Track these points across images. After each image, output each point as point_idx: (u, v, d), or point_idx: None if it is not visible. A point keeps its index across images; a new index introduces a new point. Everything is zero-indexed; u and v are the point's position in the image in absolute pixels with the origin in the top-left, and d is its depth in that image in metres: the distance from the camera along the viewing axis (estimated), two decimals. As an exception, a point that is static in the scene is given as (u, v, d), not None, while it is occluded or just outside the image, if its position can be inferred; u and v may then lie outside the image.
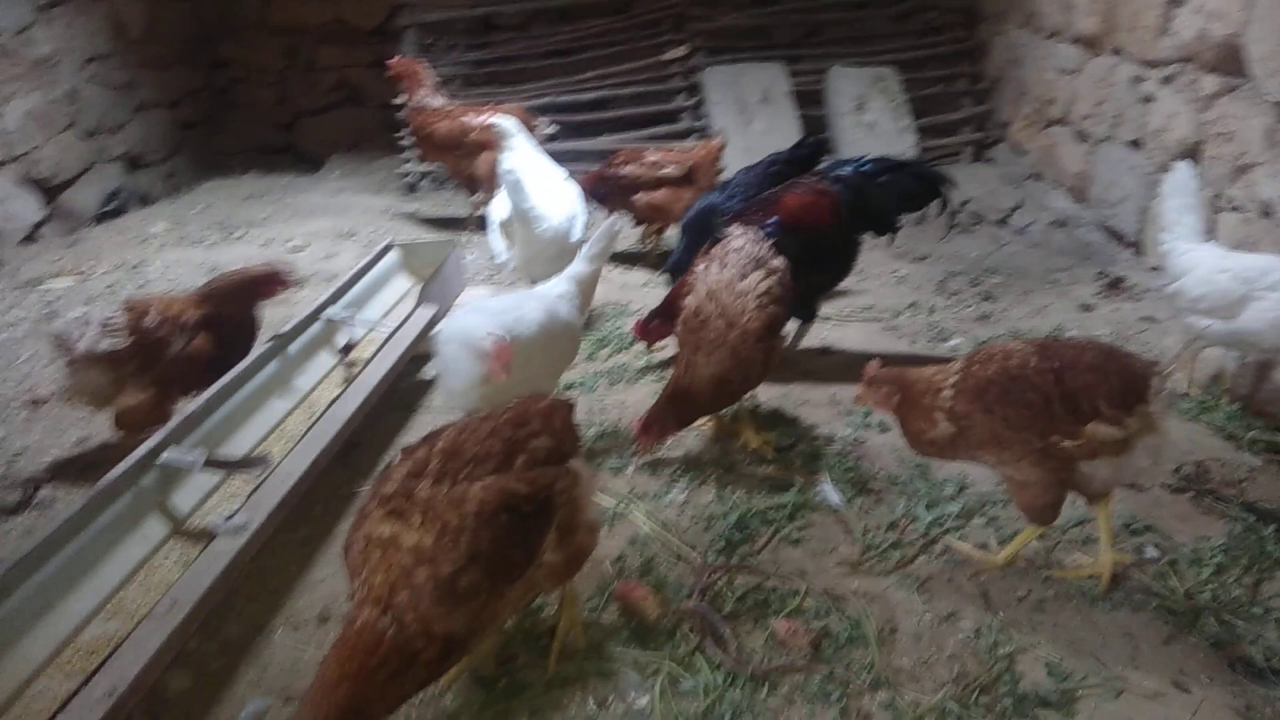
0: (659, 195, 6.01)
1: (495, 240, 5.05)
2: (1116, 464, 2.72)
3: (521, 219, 4.62)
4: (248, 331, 3.89)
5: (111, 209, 7.51)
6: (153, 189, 8.28)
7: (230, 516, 2.74)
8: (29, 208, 6.76)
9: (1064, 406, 2.66)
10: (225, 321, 3.79)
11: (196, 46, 9.42)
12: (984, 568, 2.99)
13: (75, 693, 2.15)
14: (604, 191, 6.08)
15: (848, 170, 4.44)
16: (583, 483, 2.46)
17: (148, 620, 2.32)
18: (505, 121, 4.78)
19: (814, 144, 5.25)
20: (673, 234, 5.77)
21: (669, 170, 5.98)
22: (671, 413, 3.44)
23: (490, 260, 6.26)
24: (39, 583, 2.53)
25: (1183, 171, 4.03)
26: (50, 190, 7.00)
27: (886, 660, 2.62)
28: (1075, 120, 6.92)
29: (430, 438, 2.37)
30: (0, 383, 4.47)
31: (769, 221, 4.19)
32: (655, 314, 4.41)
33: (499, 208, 4.98)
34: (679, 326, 3.57)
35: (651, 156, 6.08)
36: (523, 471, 2.29)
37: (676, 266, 4.73)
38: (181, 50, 9.14)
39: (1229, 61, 4.91)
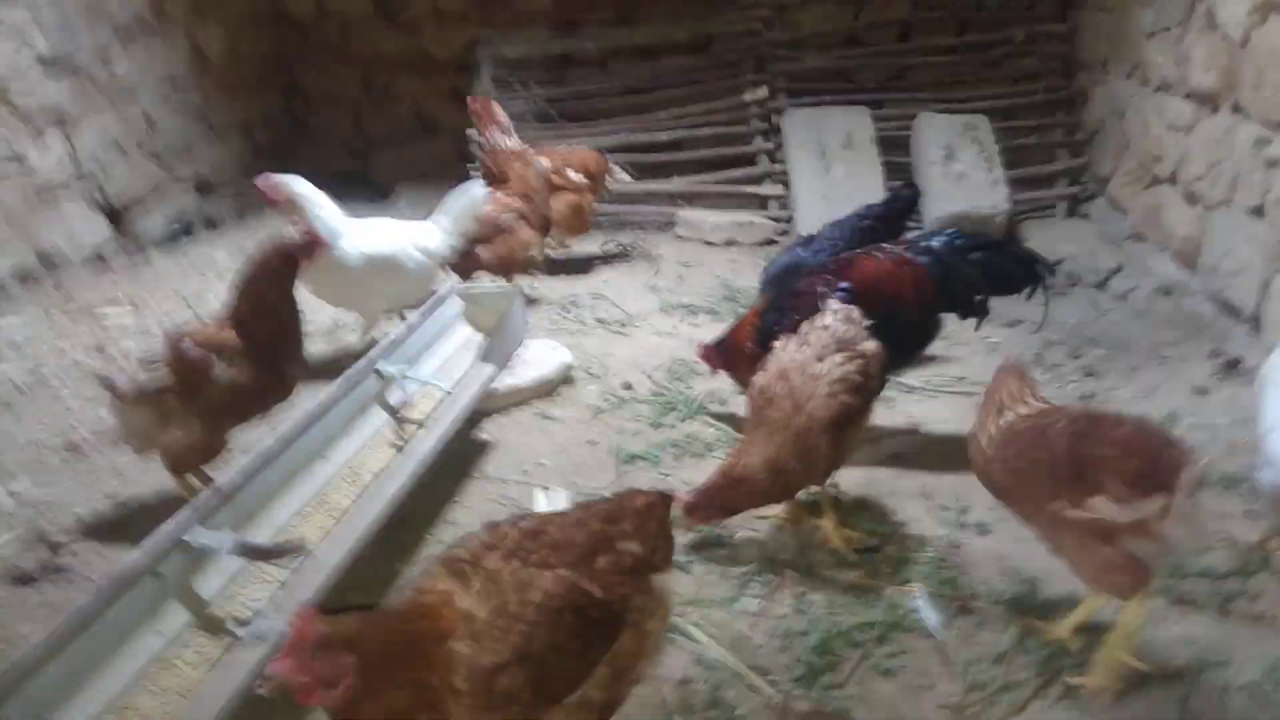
0: (501, 246, 5.68)
1: None
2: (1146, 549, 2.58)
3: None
4: (290, 323, 3.67)
5: (177, 233, 7.42)
6: (220, 215, 8.19)
7: (251, 621, 2.44)
8: (94, 230, 6.68)
9: (1069, 471, 2.63)
10: (264, 324, 3.56)
11: (274, 72, 9.38)
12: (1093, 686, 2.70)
13: None
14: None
15: (938, 242, 4.05)
16: (661, 611, 2.14)
17: (145, 756, 2.02)
18: (298, 185, 4.63)
19: (910, 197, 4.86)
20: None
21: (506, 218, 5.66)
22: (720, 496, 3.09)
23: (555, 305, 6.00)
24: (40, 685, 2.24)
25: None
26: (116, 213, 6.92)
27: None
28: (1185, 180, 6.41)
29: (519, 518, 2.18)
30: (38, 423, 4.28)
31: (840, 286, 3.82)
32: (719, 343, 4.33)
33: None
34: (748, 401, 3.28)
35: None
36: (602, 573, 2.04)
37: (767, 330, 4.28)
38: (259, 76, 9.10)
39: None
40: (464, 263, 5.70)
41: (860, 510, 3.64)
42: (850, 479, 3.82)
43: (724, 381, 4.80)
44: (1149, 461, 2.59)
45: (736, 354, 4.20)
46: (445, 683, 1.84)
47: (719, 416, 4.43)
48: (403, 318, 5.08)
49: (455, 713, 1.82)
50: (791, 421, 3.09)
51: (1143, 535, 2.58)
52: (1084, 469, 2.61)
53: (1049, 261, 4.16)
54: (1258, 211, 5.49)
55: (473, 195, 5.17)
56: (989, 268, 3.99)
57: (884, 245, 4.13)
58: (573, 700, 1.96)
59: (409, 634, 1.89)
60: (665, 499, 2.30)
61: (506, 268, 5.82)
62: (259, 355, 3.51)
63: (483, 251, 5.72)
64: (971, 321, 4.19)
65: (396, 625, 1.91)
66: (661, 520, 2.24)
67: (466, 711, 1.81)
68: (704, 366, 5.00)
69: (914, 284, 3.93)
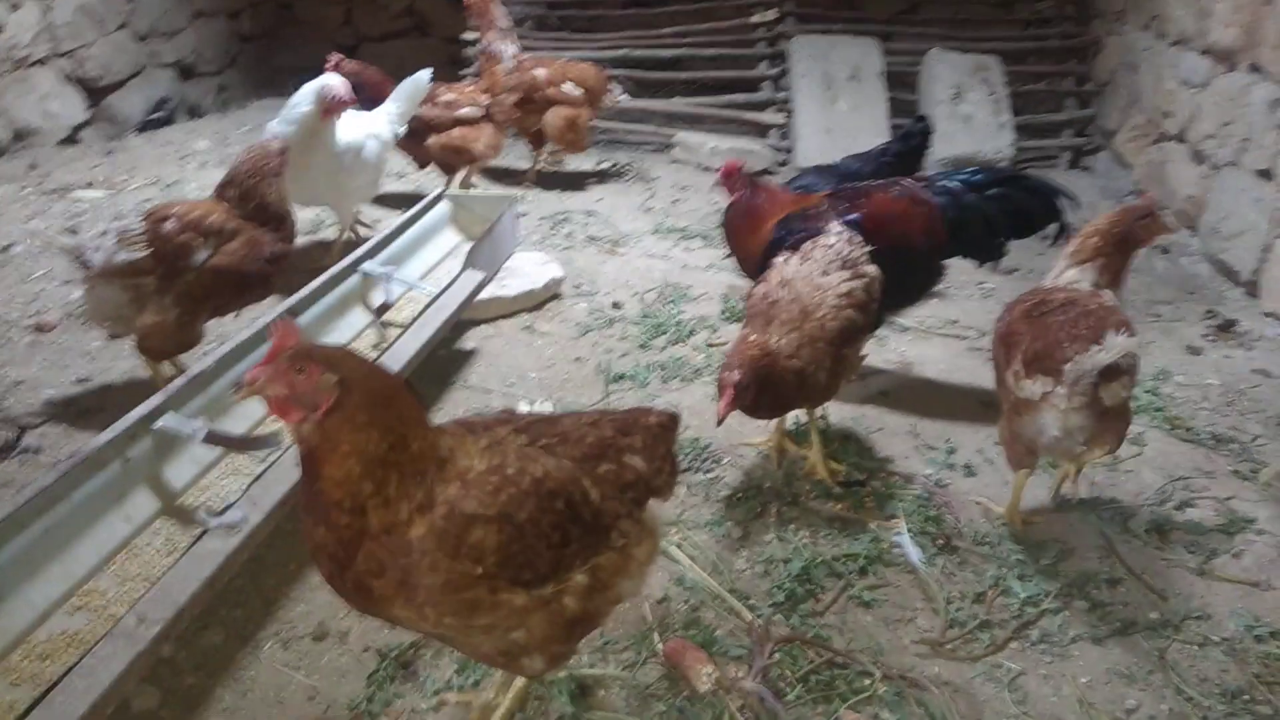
0: (455, 135, 5.89)
1: None
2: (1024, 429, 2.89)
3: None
4: (281, 221, 3.57)
5: (157, 118, 7.16)
6: (202, 101, 7.91)
7: (223, 511, 2.36)
8: (71, 108, 6.42)
9: (1004, 342, 2.96)
10: (257, 216, 3.47)
11: (263, -44, 9.00)
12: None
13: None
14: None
15: (955, 182, 3.91)
16: (649, 542, 2.08)
17: (108, 639, 1.94)
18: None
19: (923, 129, 4.69)
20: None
21: (466, 111, 5.87)
22: (759, 372, 2.86)
23: (548, 220, 5.86)
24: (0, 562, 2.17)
25: None
26: (95, 92, 6.65)
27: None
28: (1194, 139, 6.30)
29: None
30: (7, 301, 4.13)
31: (848, 218, 3.70)
32: (756, 186, 4.00)
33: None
34: (746, 309, 3.17)
35: (445, 96, 5.87)
36: (602, 479, 1.98)
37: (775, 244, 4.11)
38: (247, -42, 8.73)
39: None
40: (416, 150, 5.86)
41: (847, 444, 3.58)
42: (838, 413, 3.77)
43: (714, 309, 4.71)
44: (1047, 346, 2.74)
45: (744, 221, 3.97)
46: (417, 500, 1.77)
47: (712, 344, 4.34)
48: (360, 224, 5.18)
49: (415, 549, 1.74)
50: (803, 325, 3.00)
51: (1023, 415, 2.81)
52: (1009, 343, 2.89)
53: (1072, 194, 4.02)
54: (1266, 174, 5.41)
55: (418, 82, 5.25)
56: (1009, 204, 3.85)
57: (902, 180, 3.98)
58: (544, 594, 1.89)
59: (398, 390, 1.82)
60: (675, 420, 2.22)
61: (454, 160, 5.93)
62: (244, 244, 3.38)
63: (433, 140, 5.81)
64: (967, 262, 4.08)
65: (386, 376, 1.85)
66: (669, 444, 2.17)
67: (428, 552, 1.74)
68: (696, 290, 4.92)
69: (925, 225, 3.79)
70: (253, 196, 3.45)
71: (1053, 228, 3.93)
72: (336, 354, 1.80)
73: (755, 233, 3.86)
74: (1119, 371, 2.63)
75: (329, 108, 4.50)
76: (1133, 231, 3.06)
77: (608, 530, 1.98)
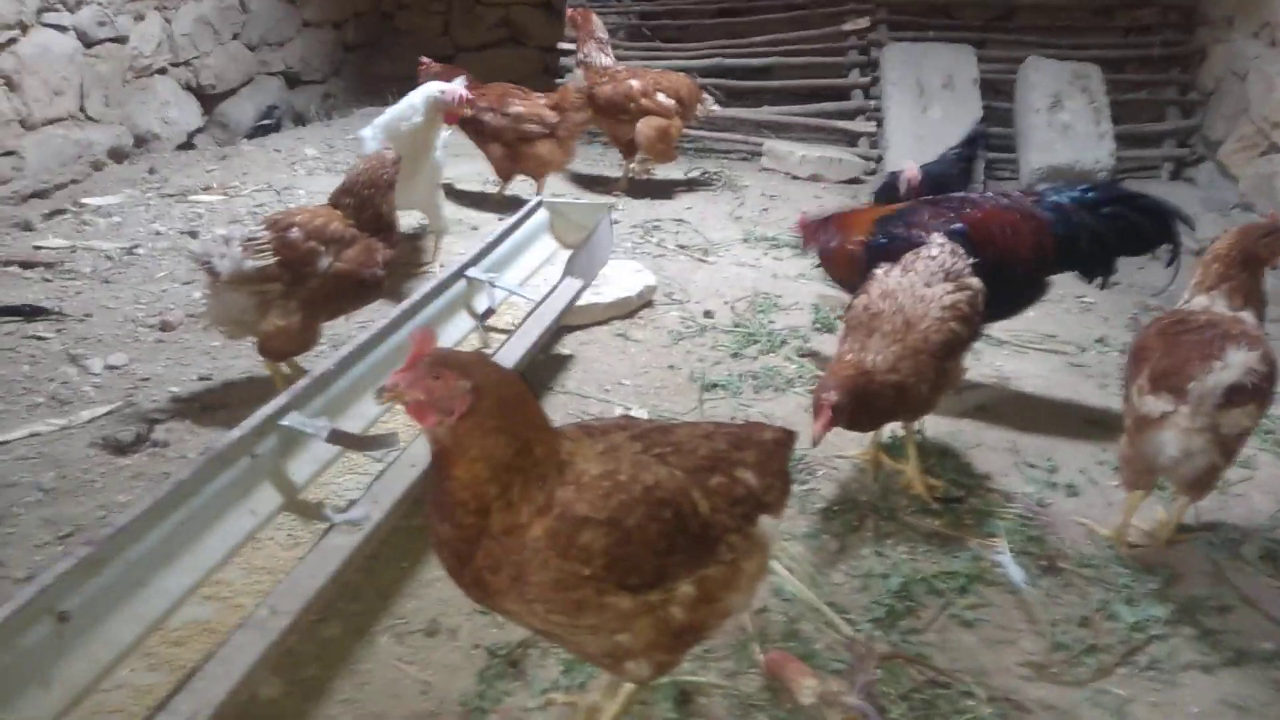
0: (520, 147, 5.91)
1: None
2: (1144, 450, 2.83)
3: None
4: (391, 228, 3.72)
5: (265, 125, 7.44)
6: (308, 109, 8.20)
7: (347, 508, 2.47)
8: (188, 115, 6.73)
9: (1134, 358, 2.94)
10: (371, 224, 3.62)
11: (370, -33, 9.29)
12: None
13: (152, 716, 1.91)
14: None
15: (1068, 198, 3.85)
16: (759, 556, 2.11)
17: (241, 629, 2.06)
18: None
19: (980, 131, 4.80)
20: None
21: (531, 127, 5.85)
22: (856, 392, 2.87)
23: (639, 228, 5.92)
24: (137, 554, 2.30)
25: None
26: (209, 99, 6.96)
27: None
28: (1308, 150, 6.08)
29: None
30: (133, 301, 4.35)
31: (953, 227, 3.68)
32: (828, 219, 4.18)
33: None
34: (846, 320, 3.18)
35: (514, 108, 5.85)
36: (713, 491, 2.01)
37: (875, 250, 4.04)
38: (352, -30, 9.02)
39: None
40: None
41: (944, 459, 3.56)
42: (934, 428, 3.74)
43: (805, 319, 4.72)
44: (1176, 363, 2.70)
45: (839, 249, 4.05)
46: (535, 503, 1.84)
47: (803, 354, 4.36)
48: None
49: (528, 547, 1.82)
50: (906, 337, 2.99)
51: (1143, 433, 2.77)
52: (1139, 358, 2.87)
53: (1188, 216, 3.94)
54: (1386, 188, 5.20)
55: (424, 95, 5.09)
56: (1122, 222, 3.79)
57: (1012, 193, 3.97)
58: (650, 599, 1.94)
59: (526, 397, 1.91)
60: (791, 437, 2.24)
61: (509, 169, 6.03)
62: (361, 251, 3.52)
63: (494, 148, 5.92)
64: (1076, 279, 4.03)
65: (516, 383, 1.92)
66: (783, 460, 2.19)
67: (540, 550, 1.81)
68: (786, 300, 4.94)
69: (1034, 240, 3.76)
70: (369, 206, 3.59)
71: (1165, 247, 3.87)
72: (471, 361, 1.89)
73: (852, 262, 3.92)
74: (1245, 396, 2.58)
75: (450, 112, 4.64)
76: (1255, 251, 2.99)
77: (715, 542, 2.01)
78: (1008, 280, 3.62)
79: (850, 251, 4.00)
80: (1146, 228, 3.79)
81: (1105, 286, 4.04)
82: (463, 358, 1.89)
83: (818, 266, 4.48)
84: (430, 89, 4.77)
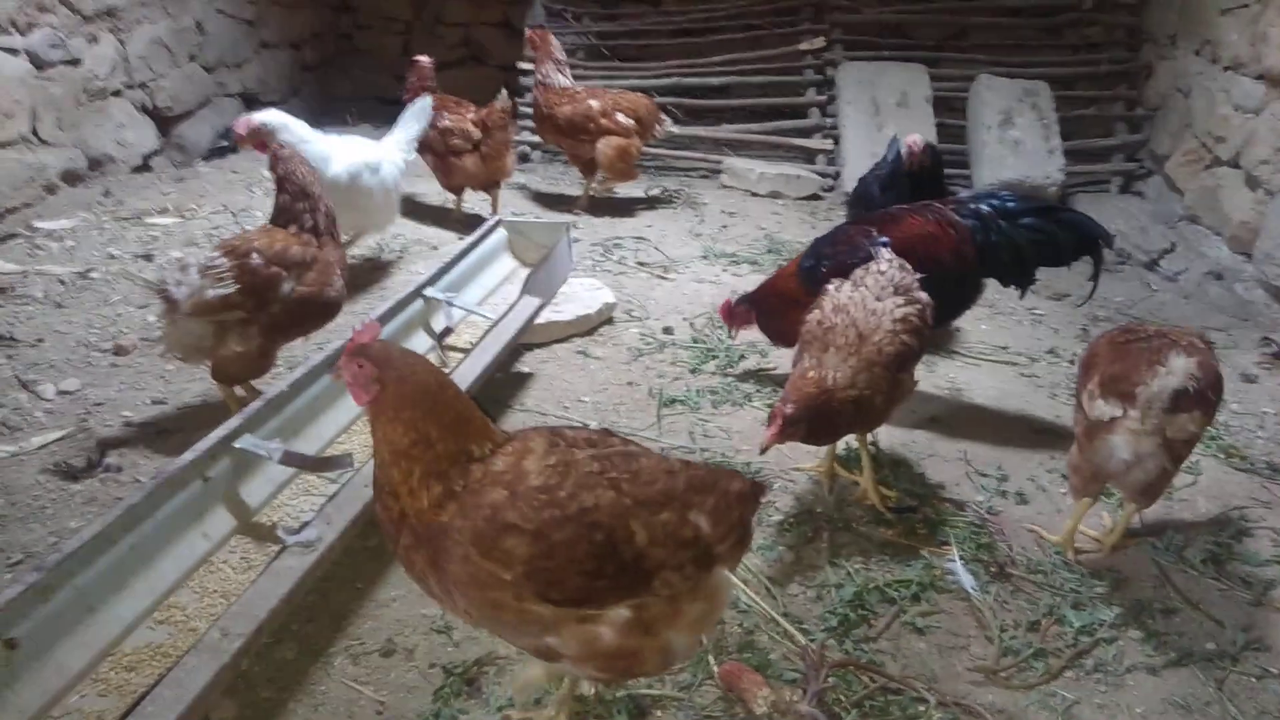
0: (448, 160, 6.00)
1: None
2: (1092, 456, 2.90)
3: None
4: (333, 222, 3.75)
5: (224, 146, 7.39)
6: (264, 130, 8.15)
7: (299, 529, 2.47)
8: (144, 137, 6.66)
9: (1085, 364, 3.03)
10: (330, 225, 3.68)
11: (325, -12, 9.28)
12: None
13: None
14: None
15: (988, 205, 3.96)
16: (700, 606, 2.09)
17: (193, 652, 2.05)
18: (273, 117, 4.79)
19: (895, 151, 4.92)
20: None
21: (456, 141, 5.93)
22: (815, 408, 2.91)
23: (599, 246, 5.96)
24: (86, 580, 2.28)
25: None
26: (166, 121, 6.90)
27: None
28: (1248, 164, 6.24)
29: (629, 441, 2.20)
30: (87, 325, 4.30)
31: (879, 240, 3.76)
32: (745, 299, 4.27)
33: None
34: (801, 335, 3.23)
35: (443, 123, 5.89)
36: (657, 525, 2.00)
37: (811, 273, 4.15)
38: (310, -10, 9.01)
39: None
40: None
41: (898, 470, 3.62)
42: (889, 439, 3.80)
43: (763, 335, 4.77)
44: (1125, 369, 2.78)
45: (782, 302, 4.12)
46: (456, 501, 1.92)
47: (760, 371, 4.41)
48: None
49: (450, 539, 1.90)
50: (861, 350, 3.04)
51: (1094, 439, 2.83)
52: (1089, 365, 2.95)
53: (1108, 233, 4.06)
54: (1323, 200, 5.36)
55: (423, 109, 5.57)
56: (1041, 234, 3.90)
57: (934, 204, 4.06)
58: (576, 612, 1.95)
59: (437, 394, 1.99)
60: (760, 490, 2.23)
61: (445, 181, 6.11)
62: (320, 272, 3.52)
63: (426, 160, 6.00)
64: (1016, 292, 4.13)
65: (428, 380, 2.01)
66: (745, 512, 2.16)
67: (462, 544, 1.88)
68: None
69: (953, 248, 3.87)
70: (319, 205, 3.65)
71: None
72: (386, 354, 2.01)
73: (788, 312, 3.90)
74: (1189, 401, 2.65)
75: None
76: None
77: (649, 575, 1.99)
78: (936, 287, 3.67)
79: (785, 286, 4.11)
80: (1063, 240, 3.90)
81: (1024, 296, 4.18)
82: (381, 350, 2.02)
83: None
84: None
